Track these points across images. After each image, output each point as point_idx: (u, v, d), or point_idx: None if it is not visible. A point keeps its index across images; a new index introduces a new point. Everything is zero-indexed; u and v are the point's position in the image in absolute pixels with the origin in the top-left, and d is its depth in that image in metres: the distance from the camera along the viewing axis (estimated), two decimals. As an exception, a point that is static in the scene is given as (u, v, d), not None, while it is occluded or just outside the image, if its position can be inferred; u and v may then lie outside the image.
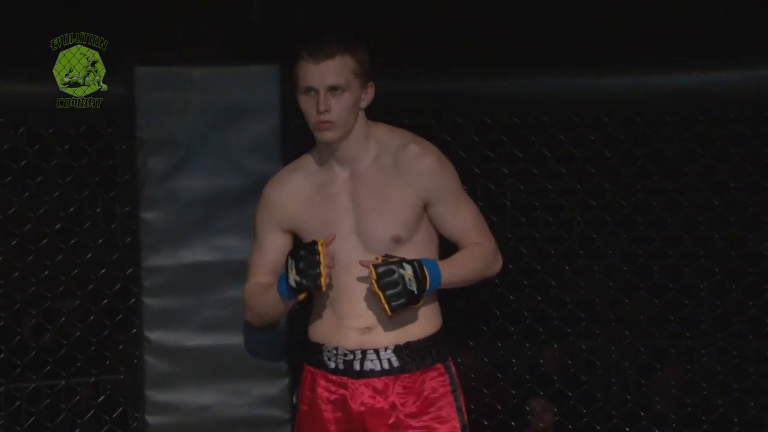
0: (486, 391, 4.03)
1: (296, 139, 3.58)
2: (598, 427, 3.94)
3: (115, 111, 3.49)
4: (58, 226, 3.71)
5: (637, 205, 3.77)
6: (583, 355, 4.66)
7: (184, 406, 3.46)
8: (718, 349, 4.56)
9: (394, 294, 2.80)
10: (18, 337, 3.76)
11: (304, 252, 2.85)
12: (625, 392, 4.43)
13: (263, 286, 3.02)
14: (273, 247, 3.04)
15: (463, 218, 2.96)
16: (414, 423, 2.92)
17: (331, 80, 2.88)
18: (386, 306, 2.80)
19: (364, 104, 2.94)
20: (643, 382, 3.91)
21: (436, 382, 2.94)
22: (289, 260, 2.87)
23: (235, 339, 3.47)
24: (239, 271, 3.41)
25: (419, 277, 2.82)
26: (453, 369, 2.98)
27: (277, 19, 7.04)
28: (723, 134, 3.60)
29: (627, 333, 4.08)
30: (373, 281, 2.81)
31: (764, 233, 3.77)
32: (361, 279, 2.89)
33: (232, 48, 6.46)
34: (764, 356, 4.05)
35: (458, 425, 2.94)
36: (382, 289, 2.80)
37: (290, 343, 3.49)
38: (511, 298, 3.85)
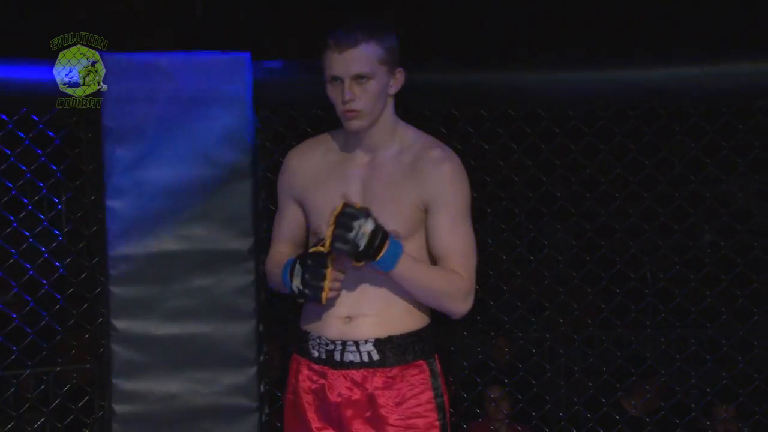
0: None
1: (264, 129, 3.63)
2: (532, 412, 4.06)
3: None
4: (22, 214, 3.69)
5: (573, 198, 3.87)
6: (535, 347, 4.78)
7: (151, 395, 3.48)
8: (678, 337, 4.72)
9: (340, 235, 2.76)
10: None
11: (311, 261, 2.81)
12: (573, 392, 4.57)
13: (278, 262, 2.97)
14: (290, 218, 3.02)
15: (455, 240, 2.88)
16: (391, 418, 2.88)
17: (355, 69, 2.83)
18: (328, 241, 2.76)
19: (392, 90, 2.90)
20: (604, 369, 4.00)
21: (416, 379, 2.89)
22: (297, 267, 2.83)
23: (203, 328, 3.49)
24: (206, 260, 3.49)
25: (375, 242, 2.77)
26: (437, 367, 2.93)
27: (221, 14, 7.06)
28: (682, 129, 3.69)
29: (589, 321, 4.18)
30: (334, 213, 2.77)
31: (714, 226, 3.88)
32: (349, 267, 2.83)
33: (181, 40, 6.47)
34: (719, 343, 4.16)
35: (438, 423, 2.89)
36: (336, 225, 2.76)
37: (258, 332, 3.51)
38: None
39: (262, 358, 3.55)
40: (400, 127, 2.95)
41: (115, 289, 3.48)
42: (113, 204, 3.48)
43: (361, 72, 2.83)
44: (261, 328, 3.55)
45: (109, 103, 3.48)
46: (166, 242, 3.50)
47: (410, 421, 2.87)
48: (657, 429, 4.09)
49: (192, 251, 3.50)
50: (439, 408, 2.90)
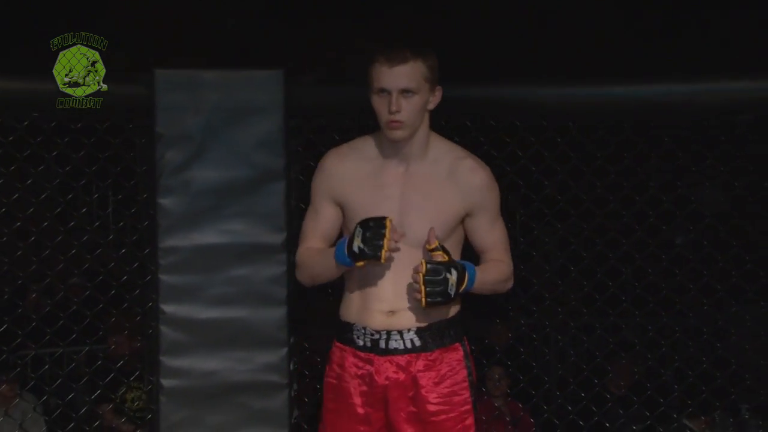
0: None
1: (296, 136, 3.84)
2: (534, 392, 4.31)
3: (136, 109, 3.74)
4: (84, 210, 3.95)
5: (572, 200, 4.09)
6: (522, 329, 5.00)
7: (194, 371, 3.69)
8: (636, 324, 4.97)
9: (435, 292, 2.91)
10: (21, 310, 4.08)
11: (372, 223, 2.92)
12: (557, 360, 4.80)
13: (317, 251, 3.09)
14: (326, 216, 3.11)
15: (496, 235, 3.10)
16: (431, 396, 3.05)
17: (403, 83, 2.98)
18: (423, 299, 2.91)
19: (431, 107, 3.04)
20: (572, 352, 4.26)
21: (454, 359, 3.07)
22: (357, 228, 2.93)
23: (240, 312, 3.70)
24: (244, 252, 3.71)
25: (460, 281, 2.94)
26: (467, 347, 3.11)
27: (251, 30, 7.19)
28: (643, 140, 3.91)
29: (560, 310, 4.43)
30: (421, 274, 2.91)
31: (677, 226, 4.11)
32: (388, 266, 2.99)
33: (213, 53, 6.62)
34: (674, 330, 4.41)
35: (470, 398, 3.08)
36: (426, 285, 2.90)
37: (290, 317, 3.73)
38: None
39: (291, 340, 3.76)
40: (433, 138, 3.10)
41: (164, 277, 3.69)
42: (163, 201, 3.70)
43: (408, 87, 2.98)
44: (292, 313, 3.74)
45: (161, 113, 3.70)
46: (209, 236, 3.70)
47: (448, 399, 3.06)
48: (643, 406, 4.32)
49: (232, 244, 3.70)
50: (471, 385, 3.11)
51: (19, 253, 3.90)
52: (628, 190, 3.98)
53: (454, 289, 2.94)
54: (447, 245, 3.05)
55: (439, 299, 2.94)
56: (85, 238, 3.95)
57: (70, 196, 3.93)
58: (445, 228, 3.05)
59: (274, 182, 3.76)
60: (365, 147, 3.13)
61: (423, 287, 2.93)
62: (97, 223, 3.95)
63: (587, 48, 6.63)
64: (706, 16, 7.03)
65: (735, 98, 3.72)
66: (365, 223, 2.95)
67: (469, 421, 3.10)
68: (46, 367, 4.38)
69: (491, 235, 3.12)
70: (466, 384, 3.10)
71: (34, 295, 5.80)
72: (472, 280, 3.00)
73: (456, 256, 3.10)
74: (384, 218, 2.94)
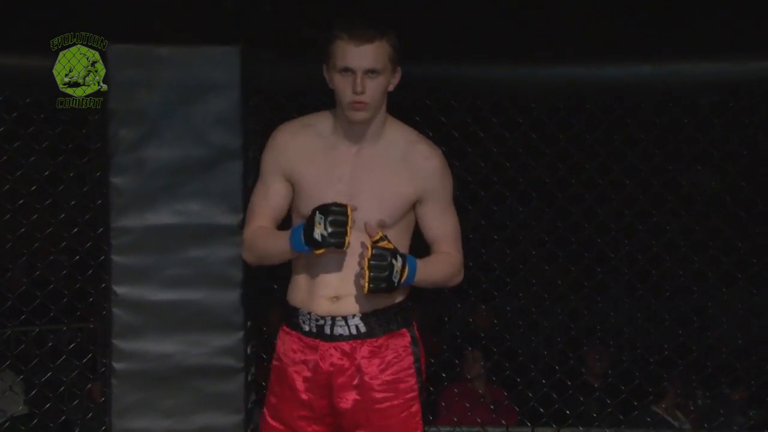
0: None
1: (255, 114, 3.78)
2: (519, 380, 4.28)
3: None
4: (34, 188, 3.86)
5: (559, 183, 4.04)
6: (507, 315, 4.99)
7: (147, 354, 3.65)
8: (625, 311, 4.93)
9: (379, 278, 2.86)
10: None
11: (334, 209, 2.86)
12: (544, 348, 4.77)
13: (269, 232, 3.05)
14: (277, 192, 3.07)
15: (446, 225, 3.05)
16: (376, 384, 3.02)
17: (369, 63, 2.91)
18: (366, 284, 2.86)
19: (391, 88, 2.99)
20: (558, 339, 4.21)
21: (400, 346, 3.03)
22: (317, 215, 2.87)
23: (195, 294, 3.66)
24: (199, 233, 3.66)
25: (402, 272, 2.90)
26: (416, 333, 3.07)
27: (247, 8, 7.14)
28: (634, 122, 3.87)
29: (546, 296, 4.38)
30: (366, 258, 2.86)
31: (666, 210, 4.07)
32: (334, 252, 2.92)
33: (201, 31, 6.57)
34: (662, 317, 4.37)
35: (416, 386, 3.05)
36: (370, 269, 2.85)
37: (245, 299, 3.69)
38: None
39: (249, 323, 3.72)
40: (389, 121, 3.05)
41: (117, 258, 3.64)
42: (116, 180, 3.65)
43: (374, 67, 2.91)
44: (248, 295, 3.69)
45: (114, 89, 3.63)
46: (163, 216, 3.65)
47: (392, 386, 3.03)
48: (633, 393, 4.29)
49: (187, 225, 3.65)
50: (418, 372, 3.06)
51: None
52: (617, 173, 3.94)
53: (398, 277, 2.89)
54: (395, 231, 3.01)
55: (383, 285, 2.89)
56: (35, 217, 3.93)
57: (19, 173, 3.89)
58: (394, 213, 3.01)
59: (231, 161, 3.71)
60: (318, 123, 3.07)
61: (367, 272, 2.88)
62: (48, 201, 3.80)
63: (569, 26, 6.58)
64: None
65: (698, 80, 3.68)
66: (325, 210, 2.89)
67: (415, 407, 3.06)
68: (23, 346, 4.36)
69: (442, 225, 3.07)
70: (412, 371, 3.06)
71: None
72: (412, 273, 2.95)
73: (405, 242, 3.06)
74: (344, 204, 2.88)
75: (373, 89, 2.93)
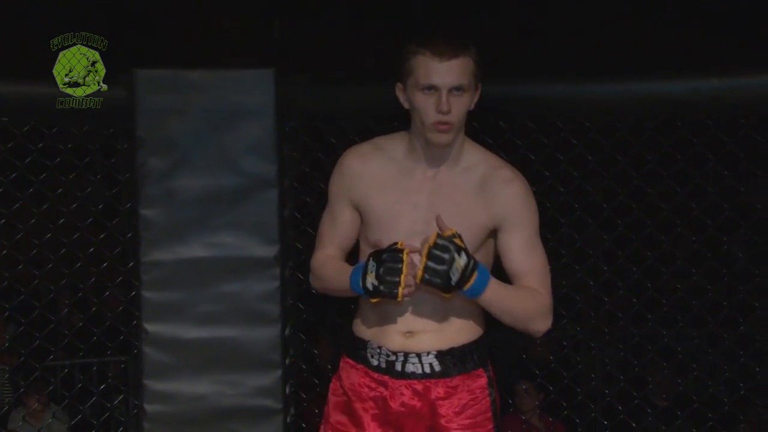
0: None
1: (290, 140, 3.68)
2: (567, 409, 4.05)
3: (116, 112, 3.55)
4: (61, 221, 3.76)
5: (618, 208, 3.84)
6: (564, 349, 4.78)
7: (180, 396, 3.55)
8: (694, 347, 4.67)
9: (434, 270, 2.64)
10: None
11: (387, 256, 2.68)
12: (605, 385, 4.54)
13: (336, 265, 2.87)
14: (345, 221, 2.88)
15: (532, 260, 2.80)
16: (453, 427, 2.82)
17: (455, 80, 2.71)
18: (420, 273, 2.64)
19: (472, 106, 2.79)
20: (621, 377, 3.98)
21: (476, 387, 2.84)
22: (371, 262, 2.69)
23: (230, 331, 3.55)
24: (233, 266, 3.55)
25: (466, 274, 2.66)
26: (491, 372, 2.88)
27: (296, 36, 7.10)
28: (701, 141, 3.70)
29: (606, 330, 4.16)
30: (427, 245, 2.64)
31: (738, 237, 3.83)
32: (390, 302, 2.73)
33: (261, 60, 6.52)
34: (738, 355, 4.12)
35: (493, 428, 2.85)
36: (429, 258, 2.63)
37: (284, 336, 3.56)
38: None
39: (287, 361, 3.60)
40: (467, 144, 2.85)
41: (147, 294, 3.55)
42: (146, 212, 3.56)
43: (460, 83, 2.71)
44: (287, 332, 3.60)
45: (142, 115, 3.55)
46: (195, 249, 3.56)
47: (469, 430, 2.82)
48: (689, 422, 4.07)
49: (220, 258, 3.56)
50: (494, 416, 2.87)
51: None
52: (682, 196, 3.74)
53: (456, 276, 2.65)
54: None
55: (437, 279, 2.65)
56: (62, 252, 3.81)
57: (45, 206, 3.79)
58: (473, 242, 2.76)
59: (266, 190, 3.61)
60: (390, 146, 2.86)
61: (425, 260, 2.64)
62: (76, 235, 3.67)
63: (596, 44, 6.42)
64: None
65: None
66: (378, 257, 2.70)
67: None
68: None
69: (527, 259, 2.81)
70: (489, 414, 2.85)
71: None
72: (482, 284, 2.69)
73: None
74: (400, 250, 2.68)
75: (458, 108, 2.73)
